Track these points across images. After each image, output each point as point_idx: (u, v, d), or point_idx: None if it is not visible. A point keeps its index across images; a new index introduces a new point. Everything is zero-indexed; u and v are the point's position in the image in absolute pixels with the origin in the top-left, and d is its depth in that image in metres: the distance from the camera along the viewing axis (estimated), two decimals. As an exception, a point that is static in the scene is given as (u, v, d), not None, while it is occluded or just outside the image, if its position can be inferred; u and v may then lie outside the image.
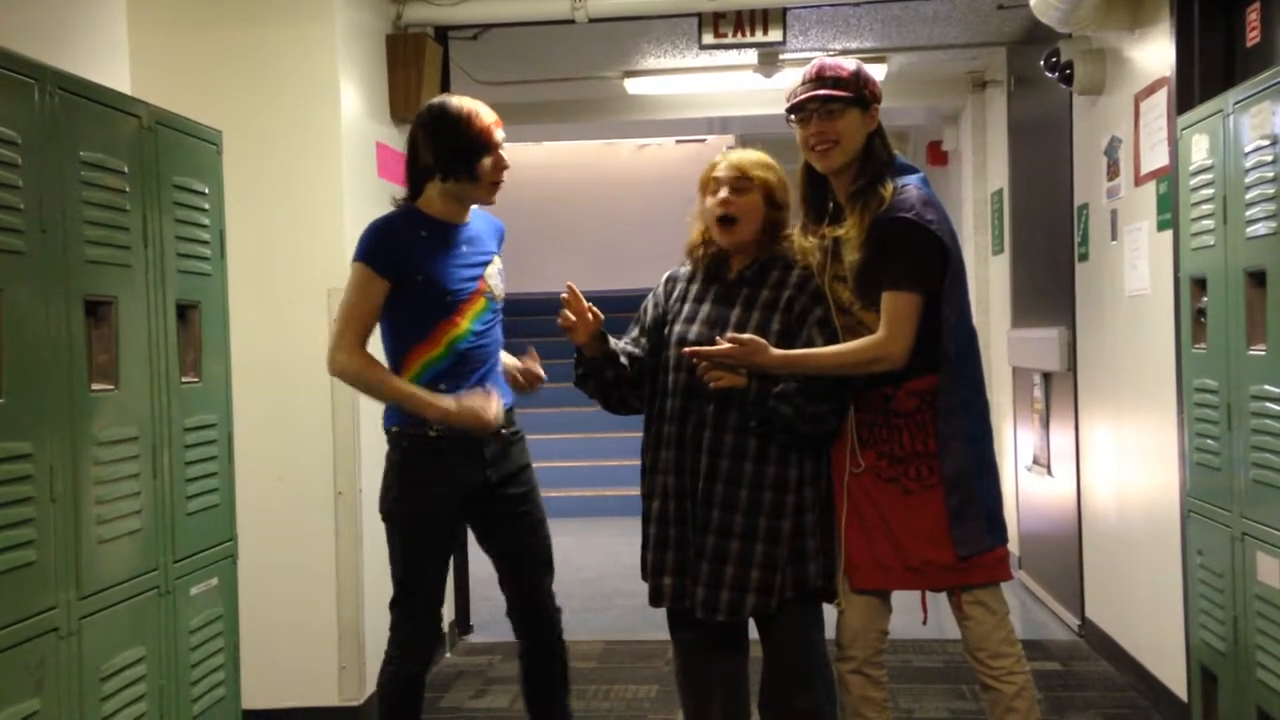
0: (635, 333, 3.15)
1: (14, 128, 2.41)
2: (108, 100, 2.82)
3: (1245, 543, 3.09)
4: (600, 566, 6.84)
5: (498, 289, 3.17)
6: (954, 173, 8.09)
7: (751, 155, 3.01)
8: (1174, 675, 4.09)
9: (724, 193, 2.95)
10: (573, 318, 2.96)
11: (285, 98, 4.22)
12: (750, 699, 3.15)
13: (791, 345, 2.87)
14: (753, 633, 3.06)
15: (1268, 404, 2.93)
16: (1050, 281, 5.71)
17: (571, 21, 4.87)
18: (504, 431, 3.15)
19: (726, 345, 2.79)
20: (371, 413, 4.35)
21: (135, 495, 2.82)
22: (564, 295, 2.95)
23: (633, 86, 6.88)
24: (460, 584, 5.38)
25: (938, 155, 8.34)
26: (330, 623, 4.24)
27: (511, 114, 3.19)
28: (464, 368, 3.07)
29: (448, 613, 5.09)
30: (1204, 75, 3.95)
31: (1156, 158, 4.22)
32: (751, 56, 6.04)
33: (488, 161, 3.07)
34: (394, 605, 3.17)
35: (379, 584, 4.39)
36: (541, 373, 3.26)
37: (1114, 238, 4.69)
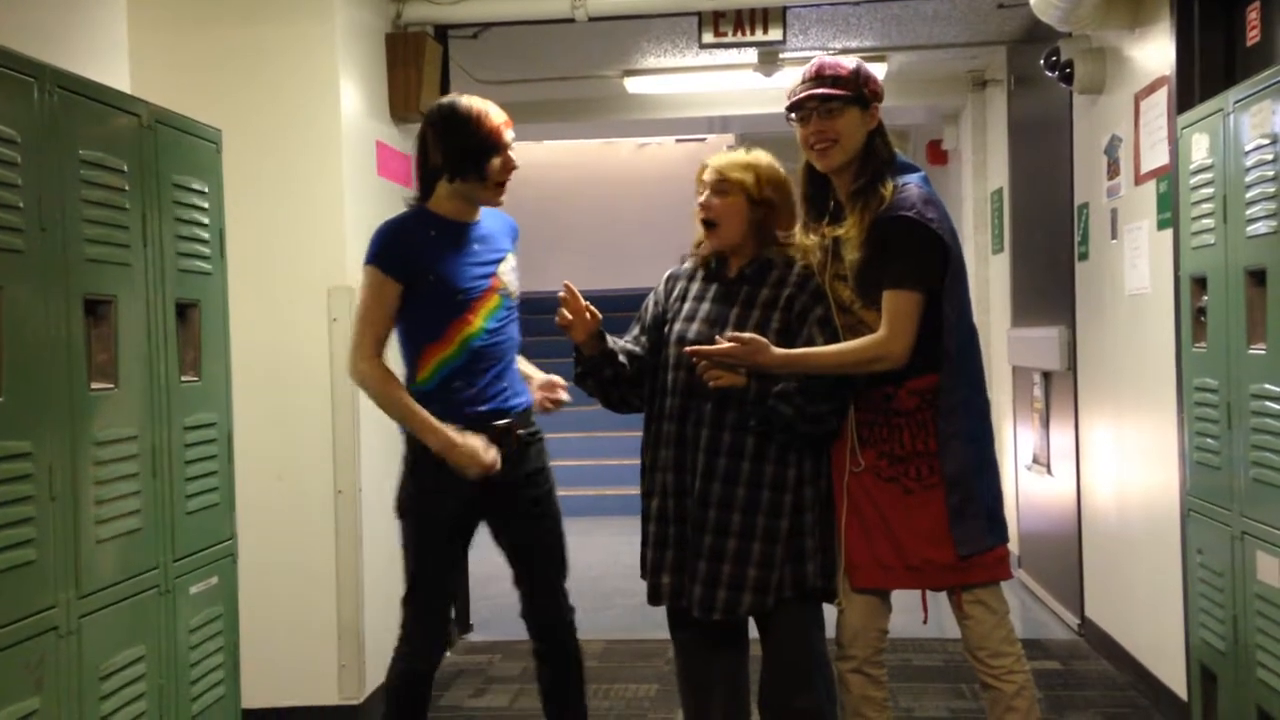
0: (636, 331, 3.15)
1: (13, 126, 2.41)
2: (107, 99, 2.82)
3: (1245, 542, 3.09)
4: (600, 565, 6.83)
5: (512, 286, 3.17)
6: (954, 172, 8.09)
7: (731, 157, 3.01)
8: (1174, 674, 4.09)
9: (704, 196, 2.98)
10: (570, 316, 2.96)
11: (285, 96, 4.22)
12: (751, 698, 3.15)
13: (791, 344, 2.87)
14: (753, 632, 3.06)
15: (1268, 403, 2.93)
16: (1050, 281, 5.70)
17: (571, 20, 4.87)
18: (521, 432, 3.15)
19: (728, 344, 2.78)
20: (372, 412, 4.36)
21: (135, 494, 2.82)
22: (561, 294, 2.96)
23: (633, 85, 6.88)
24: (460, 583, 5.38)
25: (938, 154, 8.33)
26: (330, 622, 4.24)
27: (511, 113, 3.19)
28: (479, 365, 3.07)
29: (447, 612, 5.08)
30: (1204, 74, 3.95)
31: (1157, 157, 4.22)
32: (751, 55, 6.03)
33: (496, 162, 3.06)
34: (405, 602, 3.18)
35: (379, 583, 4.40)
36: (563, 397, 3.24)
37: (1114, 237, 4.69)
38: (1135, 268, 4.44)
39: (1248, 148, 3.01)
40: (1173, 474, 3.96)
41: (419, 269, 3.03)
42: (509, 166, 3.09)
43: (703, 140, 11.07)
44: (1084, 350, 5.17)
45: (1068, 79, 4.86)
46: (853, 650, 2.93)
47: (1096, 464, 5.02)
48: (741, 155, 3.01)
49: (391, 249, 3.05)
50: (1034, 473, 6.06)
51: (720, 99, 7.49)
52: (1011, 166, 6.61)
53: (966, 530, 2.82)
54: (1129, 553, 4.61)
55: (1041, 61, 5.04)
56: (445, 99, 3.17)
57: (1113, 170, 4.71)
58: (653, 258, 6.96)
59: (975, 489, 2.84)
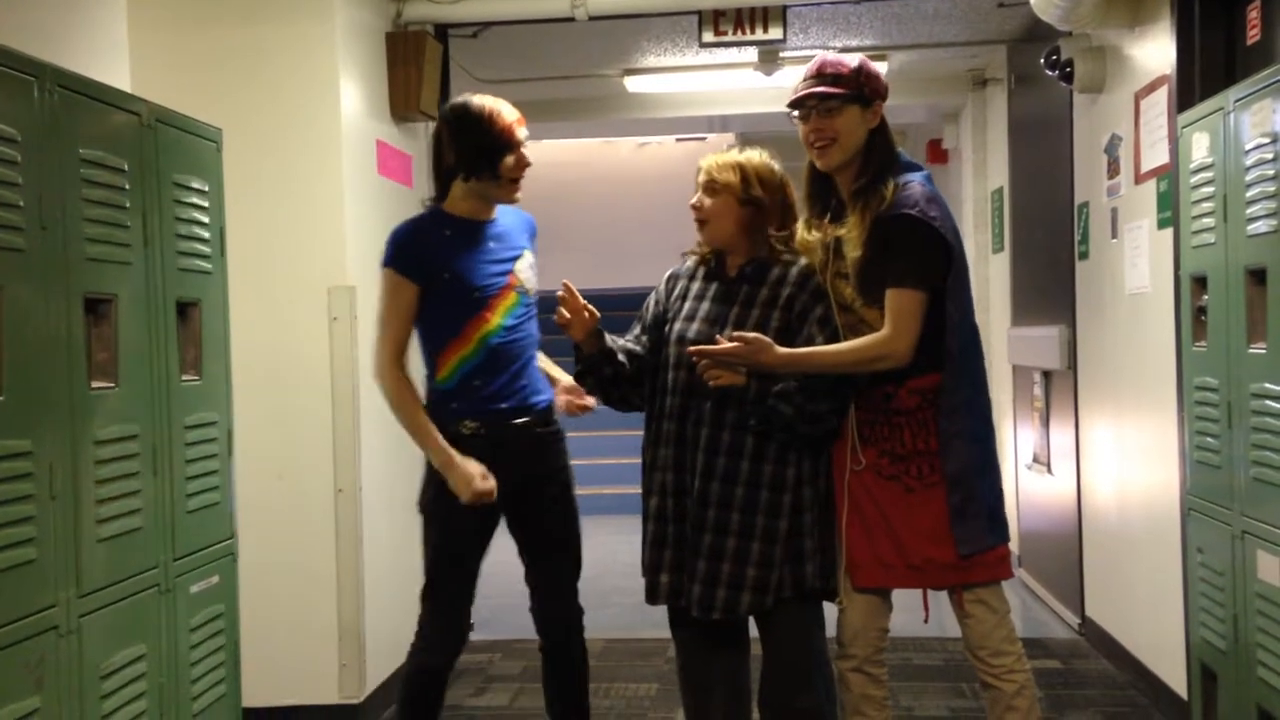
0: (637, 330, 3.16)
1: (14, 125, 2.41)
2: (107, 98, 2.82)
3: (1245, 541, 3.09)
4: (599, 564, 6.82)
5: (530, 283, 3.18)
6: (954, 171, 8.09)
7: (722, 158, 3.02)
8: (1174, 673, 4.09)
9: (695, 197, 3.01)
10: (568, 315, 2.97)
11: (285, 95, 4.22)
12: (751, 698, 3.15)
13: (791, 343, 2.87)
14: (754, 631, 3.06)
15: (1268, 402, 2.93)
16: (1050, 280, 5.70)
17: (571, 19, 4.86)
18: (539, 431, 3.16)
19: (732, 343, 2.78)
20: (372, 411, 4.36)
21: (135, 493, 2.82)
22: (560, 293, 2.97)
23: (633, 84, 6.88)
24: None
25: (938, 153, 8.33)
26: (330, 620, 4.24)
27: (511, 112, 3.19)
28: (498, 363, 3.08)
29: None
30: (1204, 73, 3.95)
31: (1157, 156, 4.22)
32: (752, 54, 6.04)
33: (510, 159, 3.07)
34: (423, 597, 3.19)
35: (379, 582, 4.40)
36: (589, 402, 3.23)
37: (1114, 236, 4.69)
38: (1135, 267, 4.44)
39: (1248, 147, 3.01)
40: (1173, 473, 3.96)
41: (435, 269, 3.04)
42: (522, 164, 3.10)
43: (703, 139, 11.06)
44: (1084, 349, 5.17)
45: (1068, 78, 4.86)
46: (853, 649, 2.93)
47: (1097, 463, 5.02)
48: (732, 155, 3.02)
49: (406, 251, 3.07)
50: (1034, 472, 6.06)
51: (720, 98, 7.49)
52: (1012, 165, 6.61)
53: (968, 530, 2.82)
54: (1129, 552, 4.61)
55: (1042, 60, 5.04)
56: (458, 98, 3.17)
57: (1113, 169, 4.71)
58: (653, 257, 6.94)
59: (977, 488, 2.84)
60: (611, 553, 6.98)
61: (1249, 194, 3.00)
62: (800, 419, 2.86)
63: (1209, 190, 3.27)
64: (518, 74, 6.47)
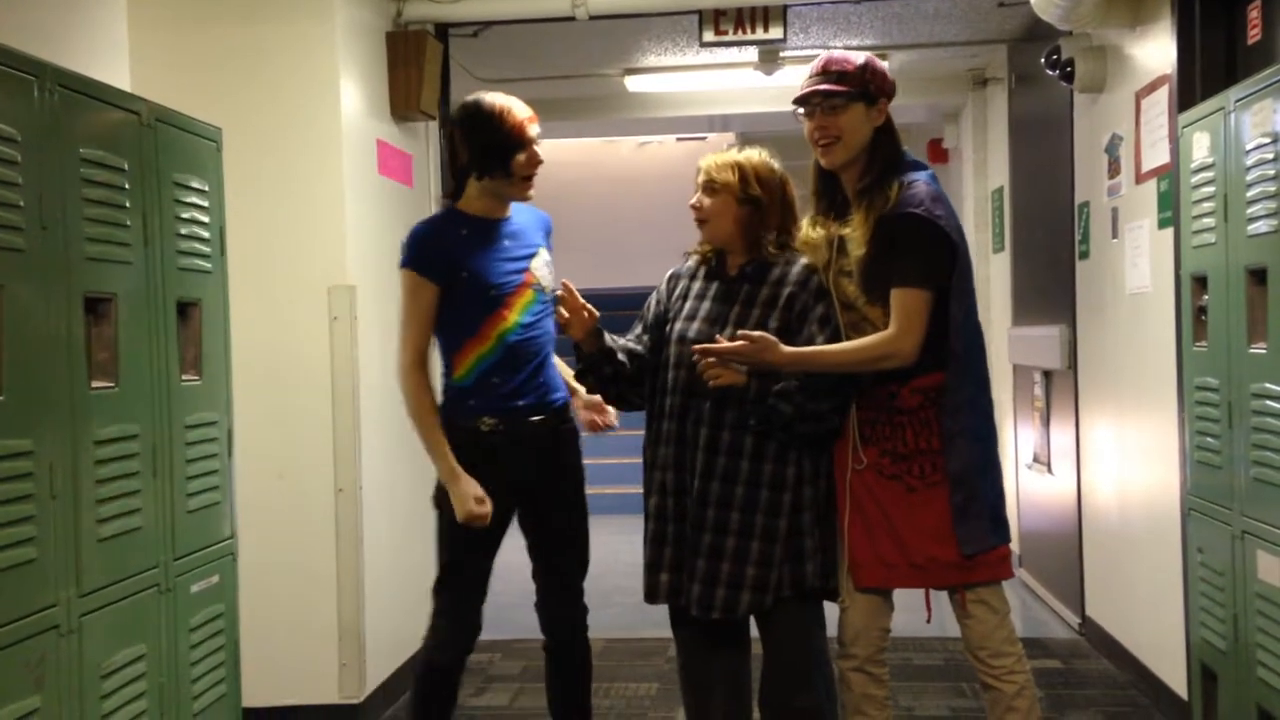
0: (638, 329, 3.16)
1: (14, 125, 2.41)
2: (108, 97, 2.82)
3: (1246, 541, 3.09)
4: (600, 564, 6.78)
5: (546, 281, 3.18)
6: (955, 170, 8.09)
7: (720, 157, 3.03)
8: (1174, 673, 4.09)
9: (695, 197, 3.02)
10: (568, 314, 2.98)
11: (285, 95, 4.22)
12: (752, 697, 3.15)
13: (791, 343, 2.87)
14: (755, 631, 3.06)
15: (1268, 402, 2.93)
16: (1051, 279, 5.70)
17: (572, 19, 4.86)
18: (555, 428, 3.17)
19: (737, 342, 2.78)
20: (372, 410, 4.36)
21: (135, 493, 2.82)
22: (559, 293, 2.97)
23: (633, 84, 6.88)
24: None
25: (938, 153, 8.33)
26: (330, 620, 4.24)
27: (512, 111, 3.19)
28: (515, 361, 3.09)
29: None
30: (1205, 73, 3.94)
31: (1157, 155, 4.22)
32: (752, 54, 6.03)
33: (521, 157, 3.09)
34: (435, 592, 3.19)
35: (379, 581, 4.40)
36: (611, 420, 3.27)
37: (1115, 235, 4.69)
38: (1136, 266, 4.44)
39: (1249, 146, 3.01)
40: (1173, 473, 3.96)
41: (453, 268, 3.06)
42: (534, 161, 3.12)
43: (703, 139, 11.07)
44: (1085, 349, 5.16)
45: (1068, 77, 4.86)
46: (854, 649, 2.93)
47: (1097, 463, 5.02)
48: (731, 154, 3.02)
49: (424, 251, 3.08)
50: (1034, 471, 6.06)
51: (721, 97, 7.49)
52: (1012, 165, 6.61)
53: (970, 530, 2.82)
54: (1130, 552, 4.60)
55: (1042, 60, 5.04)
56: (471, 96, 3.18)
57: (1113, 169, 4.71)
58: (653, 256, 6.94)
59: (979, 488, 2.83)
60: (613, 552, 6.98)
61: (1249, 194, 3.00)
62: (800, 418, 2.86)
63: (1209, 190, 3.27)
64: (518, 74, 6.47)
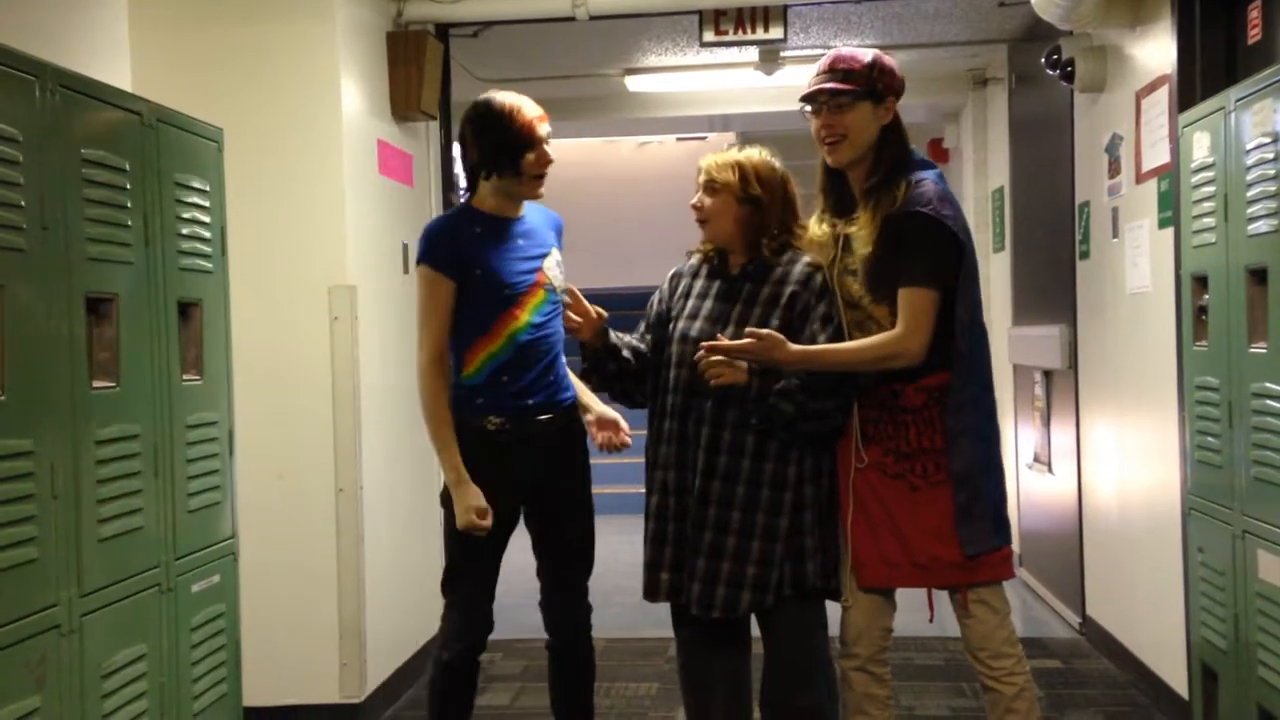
0: (643, 328, 3.17)
1: (15, 125, 2.41)
2: (109, 97, 2.82)
3: (1246, 540, 3.09)
4: (600, 563, 6.77)
5: (557, 280, 3.19)
6: (955, 170, 8.08)
7: (719, 157, 3.03)
8: (1175, 673, 4.09)
9: (695, 196, 3.02)
10: (578, 319, 2.99)
11: (286, 95, 4.22)
12: (752, 697, 3.15)
13: (793, 341, 2.86)
14: (756, 631, 3.06)
15: (1269, 401, 2.93)
16: (1051, 279, 5.70)
17: (572, 19, 4.86)
18: (564, 427, 3.18)
19: (745, 340, 2.77)
20: (372, 410, 4.36)
21: (136, 493, 2.82)
22: (565, 299, 2.98)
23: (633, 84, 6.88)
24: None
25: (939, 153, 8.33)
26: (331, 620, 4.24)
27: (513, 111, 3.19)
28: (525, 360, 3.10)
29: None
30: (1205, 72, 3.94)
31: (1158, 155, 4.22)
32: (752, 54, 6.03)
33: (531, 156, 3.09)
34: (443, 590, 3.20)
35: (380, 581, 4.40)
36: (626, 440, 3.26)
37: (1115, 235, 4.69)
38: (1136, 266, 4.44)
39: (1249, 146, 3.01)
40: (1174, 472, 3.96)
41: (467, 265, 3.07)
42: (543, 160, 3.12)
43: (704, 139, 11.07)
44: (1085, 349, 5.16)
45: (1069, 77, 4.86)
46: (857, 648, 2.93)
47: (1097, 462, 5.02)
48: (731, 154, 3.02)
49: (440, 246, 3.10)
50: (1035, 471, 6.06)
51: (721, 97, 7.49)
52: (1012, 165, 6.61)
53: (973, 530, 2.82)
54: (1130, 551, 4.60)
55: (1042, 60, 5.04)
56: (482, 95, 3.19)
57: (1114, 169, 4.71)
58: (653, 256, 6.95)
59: (983, 488, 2.83)
60: (614, 552, 6.96)
61: (1250, 193, 3.00)
62: (802, 417, 2.86)
63: (1210, 190, 3.27)
64: (519, 74, 6.46)
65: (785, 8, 5.08)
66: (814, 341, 2.87)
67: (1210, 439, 3.30)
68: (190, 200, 3.15)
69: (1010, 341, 6.47)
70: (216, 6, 4.25)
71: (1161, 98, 4.18)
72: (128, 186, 2.83)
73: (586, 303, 3.01)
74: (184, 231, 3.11)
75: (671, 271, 3.20)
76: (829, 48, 3.18)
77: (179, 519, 3.02)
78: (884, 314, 2.81)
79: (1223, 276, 3.18)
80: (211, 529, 3.21)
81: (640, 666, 4.93)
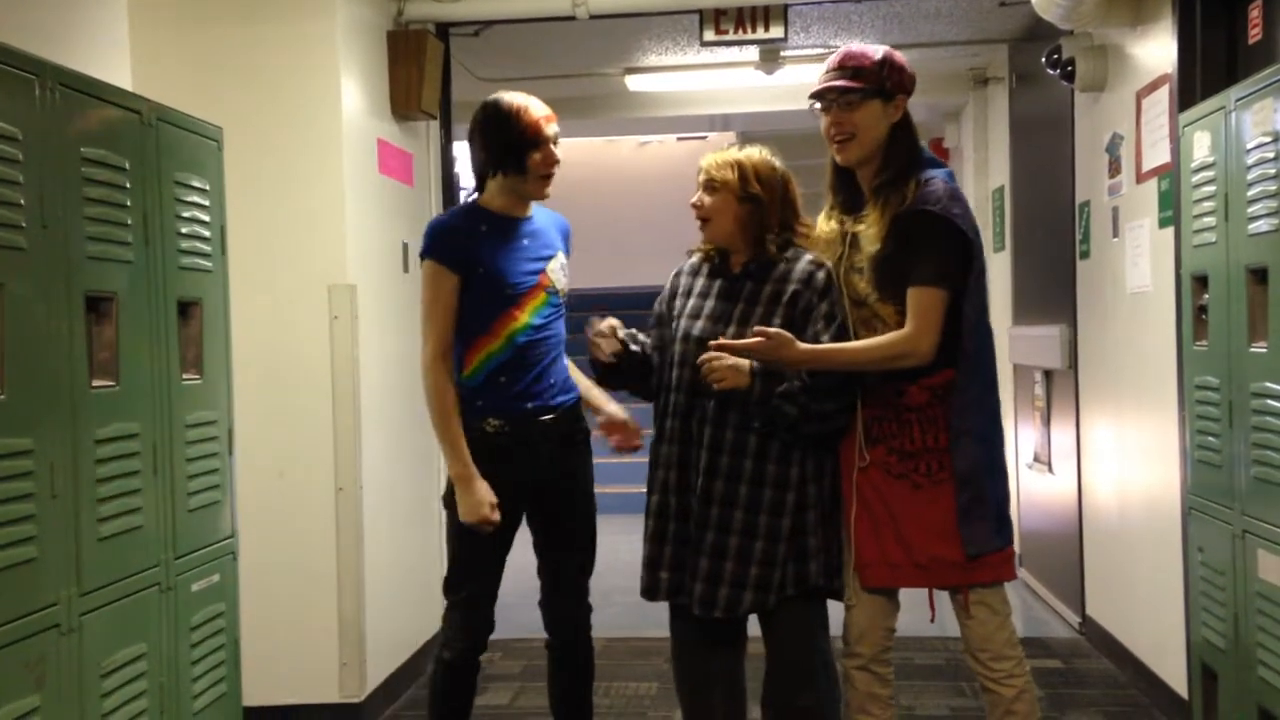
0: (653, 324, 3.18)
1: (15, 124, 2.40)
2: (108, 96, 2.82)
3: (1246, 540, 3.09)
4: (600, 563, 6.79)
5: (560, 283, 3.19)
6: (955, 170, 8.05)
7: (719, 156, 3.03)
8: (1175, 672, 4.09)
9: (695, 196, 3.02)
10: (608, 352, 3.00)
11: (286, 94, 4.22)
12: (748, 696, 3.15)
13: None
14: (756, 630, 3.06)
15: (1269, 401, 2.93)
16: (1051, 279, 5.70)
17: (572, 18, 4.86)
18: (564, 429, 3.19)
19: (753, 339, 2.77)
20: (372, 409, 4.36)
21: (136, 492, 2.82)
22: (593, 336, 2.99)
23: (634, 83, 6.87)
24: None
25: (939, 152, 8.32)
26: (331, 619, 4.24)
27: (513, 110, 3.19)
28: (524, 361, 3.11)
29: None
30: (1206, 72, 3.94)
31: (1158, 155, 4.22)
32: (753, 53, 6.03)
33: (537, 156, 3.10)
34: (446, 591, 3.21)
35: (380, 581, 4.40)
36: (637, 444, 3.27)
37: (1115, 235, 4.69)
38: (1136, 266, 4.44)
39: (1249, 146, 3.01)
40: (1174, 472, 3.96)
41: (471, 262, 3.07)
42: (550, 160, 3.12)
43: (704, 138, 11.07)
44: (1085, 348, 5.16)
45: (1069, 77, 4.85)
46: (859, 648, 2.93)
47: (1098, 462, 5.02)
48: (731, 153, 3.02)
49: (445, 241, 3.10)
50: (1035, 471, 6.06)
51: (721, 97, 7.48)
52: (1013, 164, 6.60)
53: (975, 531, 2.81)
54: (1130, 551, 4.60)
55: (1043, 59, 5.04)
56: (490, 96, 3.19)
57: (1114, 168, 4.71)
58: (654, 256, 6.94)
59: (986, 488, 2.83)
60: (613, 551, 6.95)
61: (1250, 193, 3.00)
62: (805, 419, 2.86)
63: (1210, 189, 3.26)
64: (519, 73, 6.46)
65: (785, 7, 5.08)
66: (817, 340, 2.87)
67: (1210, 439, 3.30)
68: (190, 199, 3.15)
69: (1010, 341, 6.47)
70: (216, 6, 4.25)
71: (1162, 97, 4.17)
72: (127, 185, 2.83)
73: (607, 331, 3.01)
74: (184, 230, 3.10)
75: (675, 270, 3.20)
76: (829, 47, 3.18)
77: (178, 518, 3.02)
78: (890, 312, 2.81)
79: (1223, 276, 3.18)
80: (211, 528, 3.21)
81: (639, 666, 4.93)
